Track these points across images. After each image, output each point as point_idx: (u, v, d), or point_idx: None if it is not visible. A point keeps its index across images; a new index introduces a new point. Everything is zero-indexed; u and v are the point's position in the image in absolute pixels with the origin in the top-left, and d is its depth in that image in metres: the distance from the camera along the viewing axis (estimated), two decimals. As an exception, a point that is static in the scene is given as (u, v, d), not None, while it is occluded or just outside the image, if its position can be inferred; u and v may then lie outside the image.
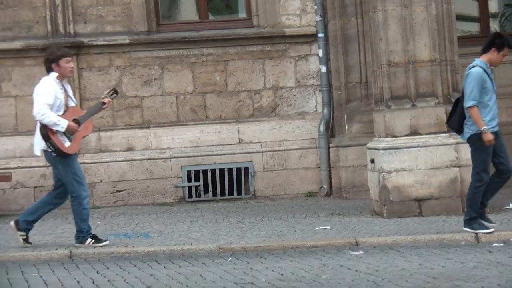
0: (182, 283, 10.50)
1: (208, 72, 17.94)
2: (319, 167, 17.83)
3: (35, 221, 13.08)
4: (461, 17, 17.86)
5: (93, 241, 12.88)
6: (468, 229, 12.84)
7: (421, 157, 14.86)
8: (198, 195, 17.59)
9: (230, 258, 12.20)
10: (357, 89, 17.59)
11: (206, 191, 17.74)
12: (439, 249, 12.35)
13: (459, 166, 14.87)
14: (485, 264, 11.03)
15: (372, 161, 15.27)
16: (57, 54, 12.83)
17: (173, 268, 11.56)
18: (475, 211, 12.90)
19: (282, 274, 10.82)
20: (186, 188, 17.65)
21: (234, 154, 17.83)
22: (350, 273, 10.74)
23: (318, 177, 17.83)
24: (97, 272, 11.46)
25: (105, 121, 17.69)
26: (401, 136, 14.95)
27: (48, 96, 12.53)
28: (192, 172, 17.57)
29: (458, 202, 14.81)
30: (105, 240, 13.06)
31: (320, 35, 17.82)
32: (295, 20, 18.10)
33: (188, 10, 19.31)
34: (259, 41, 18.08)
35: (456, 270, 10.70)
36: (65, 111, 12.66)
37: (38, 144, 12.69)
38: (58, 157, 12.65)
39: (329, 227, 14.03)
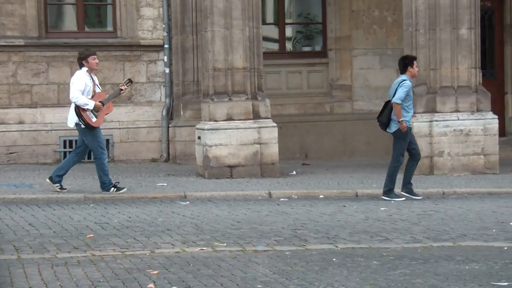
0: (55, 222, 10.36)
1: (83, 69, 17.64)
2: (160, 141, 17.69)
3: (63, 174, 12.93)
4: (266, 38, 18.00)
5: (115, 189, 12.78)
6: (386, 198, 12.52)
7: (233, 136, 14.89)
8: (71, 158, 17.24)
9: (92, 204, 12.05)
10: (191, 86, 17.53)
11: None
12: (243, 201, 12.42)
13: (259, 144, 14.99)
14: (274, 213, 11.18)
15: (199, 137, 15.26)
16: (86, 54, 12.72)
17: (49, 211, 11.38)
18: (393, 184, 12.61)
19: (129, 217, 10.79)
20: (62, 153, 17.23)
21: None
22: (179, 218, 10.75)
23: (160, 148, 17.70)
24: (-9, 212, 11.16)
25: (3, 101, 17.19)
26: (220, 121, 14.96)
27: (80, 84, 12.46)
28: (67, 141, 17.21)
29: (258, 169, 14.93)
30: (123, 188, 12.91)
31: (166, 46, 17.67)
32: (148, 34, 17.92)
33: (69, 22, 18.90)
34: (121, 48, 17.84)
35: (254, 217, 10.82)
36: (93, 95, 12.56)
37: (72, 119, 12.64)
38: (87, 129, 12.50)
39: (165, 184, 13.94)
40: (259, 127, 15.06)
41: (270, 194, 12.94)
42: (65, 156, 17.18)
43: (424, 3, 15.48)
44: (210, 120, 15.06)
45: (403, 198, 12.57)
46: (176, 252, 8.31)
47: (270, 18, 19.75)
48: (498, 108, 18.01)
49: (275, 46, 19.42)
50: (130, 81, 13.46)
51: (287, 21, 19.62)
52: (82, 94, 12.48)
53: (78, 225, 10.05)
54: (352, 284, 6.79)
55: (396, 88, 12.55)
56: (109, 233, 9.44)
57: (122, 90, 13.09)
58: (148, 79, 17.93)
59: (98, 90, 12.79)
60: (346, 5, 18.87)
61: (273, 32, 19.36)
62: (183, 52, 17.54)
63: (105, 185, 12.76)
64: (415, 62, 12.90)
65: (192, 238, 9.12)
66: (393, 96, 12.46)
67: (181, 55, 17.56)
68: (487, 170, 15.34)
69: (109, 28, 18.47)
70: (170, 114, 17.76)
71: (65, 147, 17.27)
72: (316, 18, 19.52)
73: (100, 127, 12.83)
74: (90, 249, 8.45)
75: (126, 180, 14.45)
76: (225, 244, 8.73)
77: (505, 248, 8.50)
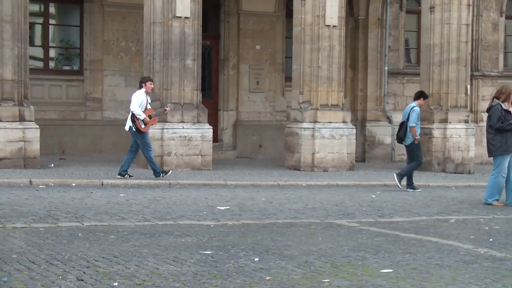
0: None
1: None
2: None
3: (127, 169, 13.41)
4: (33, 57, 17.34)
5: (163, 174, 13.48)
6: (409, 190, 13.51)
7: (1, 135, 14.13)
8: None
9: None
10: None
11: None
12: (7, 188, 11.72)
13: (24, 141, 14.36)
14: (33, 197, 10.66)
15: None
16: (146, 79, 13.52)
17: None
18: (411, 178, 13.62)
19: None
20: None
21: None
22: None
23: None
24: None
25: None
26: (-12, 122, 14.18)
27: (138, 100, 13.22)
28: None
29: (22, 161, 14.35)
30: (169, 171, 13.81)
31: None
32: None
33: None
34: None
35: (15, 200, 10.23)
36: (145, 109, 13.25)
37: (128, 124, 13.23)
38: (137, 133, 13.17)
39: None
40: (24, 128, 14.37)
41: (31, 182, 12.35)
42: None
43: (160, 38, 15.56)
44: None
45: (420, 190, 13.59)
46: None
47: (37, 41, 18.90)
48: (213, 121, 18.53)
49: (40, 64, 18.63)
50: (172, 104, 14.39)
51: (51, 44, 18.91)
52: (139, 107, 13.17)
53: None
54: (92, 253, 6.61)
55: (409, 113, 13.37)
56: None
57: (166, 110, 13.94)
58: None
59: (149, 107, 13.43)
60: (99, 35, 18.60)
61: (39, 52, 18.59)
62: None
63: (156, 172, 13.39)
64: (426, 99, 14.02)
65: (-40, 217, 8.44)
66: (407, 119, 13.37)
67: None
68: (203, 167, 15.69)
69: None
70: None
71: None
72: (75, 44, 19.00)
73: (148, 132, 13.57)
74: None
75: None
76: (-12, 222, 8.17)
77: (212, 225, 8.68)
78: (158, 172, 13.46)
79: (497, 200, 11.59)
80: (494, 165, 11.49)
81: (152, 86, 13.61)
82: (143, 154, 13.51)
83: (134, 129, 13.20)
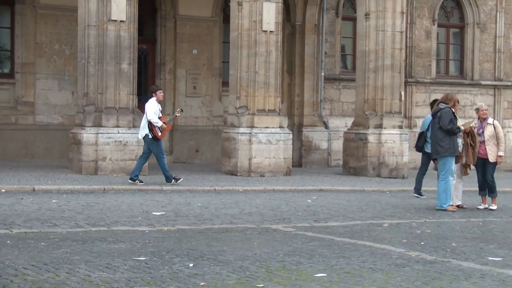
0: None
1: None
2: None
3: (138, 174, 13.80)
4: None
5: (175, 180, 13.86)
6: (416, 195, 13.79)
7: None
8: None
9: None
10: None
11: None
12: None
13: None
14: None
15: None
16: (155, 89, 13.97)
17: None
18: (419, 185, 13.87)
19: None
20: None
21: None
22: None
23: None
24: None
25: None
26: None
27: (153, 109, 13.62)
28: None
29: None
30: (180, 178, 14.08)
31: None
32: None
33: None
34: None
35: None
36: (159, 117, 13.66)
37: (142, 132, 13.73)
38: (154, 140, 13.61)
39: None
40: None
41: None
42: None
43: (95, 41, 15.35)
44: None
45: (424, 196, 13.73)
46: None
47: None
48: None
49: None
50: (181, 110, 15.10)
51: (-20, 46, 18.44)
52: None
53: None
54: (21, 261, 6.45)
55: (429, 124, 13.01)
56: None
57: (176, 115, 14.59)
58: None
59: (160, 114, 13.84)
60: (31, 38, 18.25)
61: None
62: None
63: (168, 179, 13.78)
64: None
65: None
66: (427, 129, 13.14)
67: None
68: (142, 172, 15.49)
69: None
70: None
71: None
72: (5, 46, 18.56)
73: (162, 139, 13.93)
74: None
75: None
76: None
77: (146, 231, 8.61)
78: (170, 179, 13.82)
79: (450, 204, 11.82)
80: (441, 169, 11.66)
81: (162, 94, 14.18)
82: (157, 161, 13.85)
83: (150, 137, 13.61)
